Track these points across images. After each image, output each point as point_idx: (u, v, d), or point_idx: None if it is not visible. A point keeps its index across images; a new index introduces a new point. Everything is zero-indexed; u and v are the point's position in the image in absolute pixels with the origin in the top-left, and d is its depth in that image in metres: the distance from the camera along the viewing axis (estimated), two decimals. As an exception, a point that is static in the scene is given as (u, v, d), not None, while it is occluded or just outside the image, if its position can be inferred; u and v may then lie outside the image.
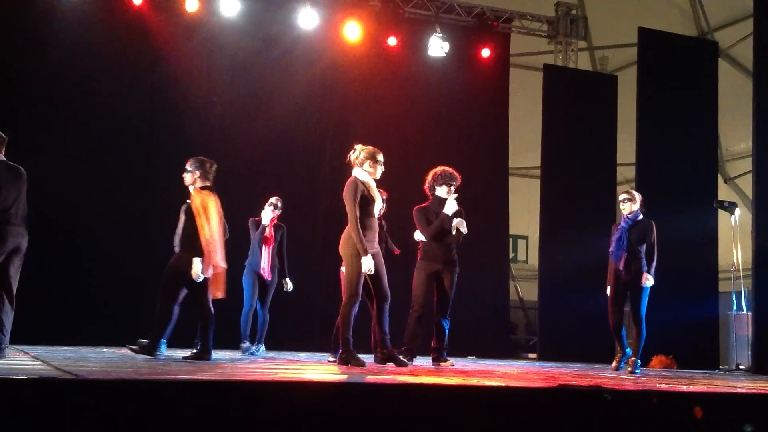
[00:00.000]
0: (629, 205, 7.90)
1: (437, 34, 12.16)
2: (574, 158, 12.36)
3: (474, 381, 4.64)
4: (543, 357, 11.67)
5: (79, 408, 2.94)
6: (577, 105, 12.56)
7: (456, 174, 7.57)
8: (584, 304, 11.83)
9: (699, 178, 11.20)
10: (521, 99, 13.59)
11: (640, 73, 11.32)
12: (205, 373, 4.48)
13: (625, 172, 14.27)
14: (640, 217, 7.94)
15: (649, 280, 7.81)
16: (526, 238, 16.55)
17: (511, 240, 14.31)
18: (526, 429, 3.41)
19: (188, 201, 6.79)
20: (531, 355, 13.25)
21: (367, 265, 6.33)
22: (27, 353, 6.50)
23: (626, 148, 12.46)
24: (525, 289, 16.20)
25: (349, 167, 11.49)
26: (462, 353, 10.12)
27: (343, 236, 6.54)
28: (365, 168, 6.61)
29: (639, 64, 11.46)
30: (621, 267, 7.80)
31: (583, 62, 14.29)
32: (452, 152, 12.07)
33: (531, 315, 15.52)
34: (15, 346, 7.66)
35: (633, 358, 7.75)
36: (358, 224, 6.35)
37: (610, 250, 7.95)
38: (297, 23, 11.49)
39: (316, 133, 11.86)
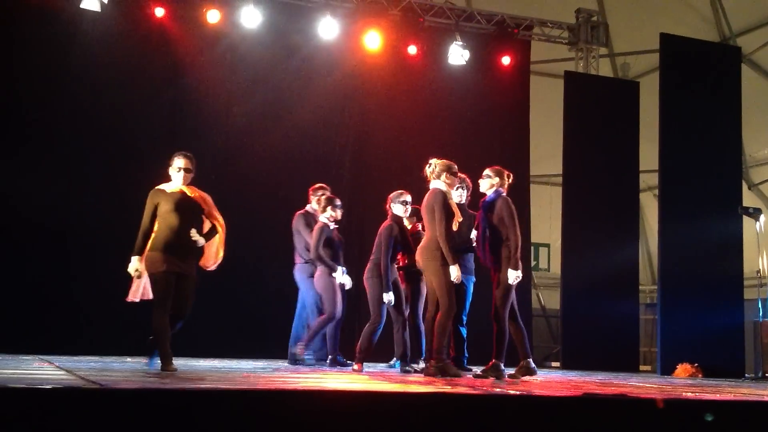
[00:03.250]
0: (487, 182, 6.91)
1: (457, 43, 12.15)
2: (596, 165, 12.29)
3: (498, 390, 4.61)
4: (566, 366, 11.60)
5: (104, 417, 2.95)
6: (598, 112, 12.49)
7: (463, 176, 7.52)
8: (607, 312, 11.78)
9: (723, 185, 11.09)
10: (542, 106, 13.55)
11: (662, 79, 11.23)
12: (228, 382, 4.48)
13: (648, 179, 14.19)
14: (502, 194, 6.87)
15: (510, 277, 6.64)
16: (547, 245, 16.48)
17: (532, 248, 14.25)
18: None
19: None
20: (554, 364, 13.18)
21: (455, 273, 6.52)
22: (52, 363, 6.54)
23: (649, 155, 12.37)
24: (547, 298, 16.12)
25: (367, 176, 11.54)
26: (484, 362, 10.05)
27: (424, 248, 6.70)
28: (443, 180, 6.79)
29: (661, 70, 11.37)
30: (480, 254, 6.92)
31: (604, 69, 14.23)
32: (473, 160, 11.99)
33: (553, 323, 15.43)
34: (40, 356, 7.72)
35: (493, 361, 6.69)
36: (448, 233, 6.55)
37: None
38: (317, 33, 11.53)
39: (336, 142, 11.88)
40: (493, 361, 6.70)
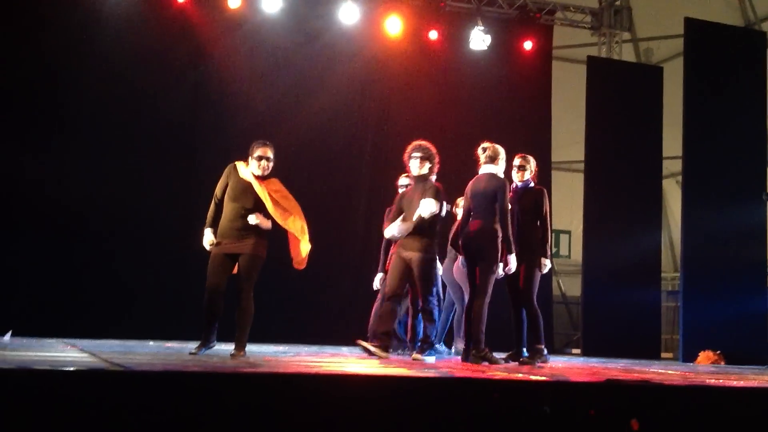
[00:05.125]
0: (521, 174, 7.00)
1: (479, 27, 12.08)
2: (619, 152, 12.20)
3: (519, 375, 4.60)
4: (587, 353, 11.57)
5: (127, 399, 2.97)
6: (621, 97, 12.39)
7: (425, 145, 7.06)
8: (629, 299, 11.73)
9: (747, 171, 10.97)
10: (564, 92, 13.46)
11: (686, 64, 11.12)
12: (250, 365, 4.50)
13: (671, 165, 14.08)
14: (531, 185, 7.02)
15: (546, 266, 6.84)
16: (568, 233, 16.40)
17: (553, 235, 14.17)
18: (575, 422, 3.37)
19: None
20: (575, 351, 13.14)
21: (514, 262, 6.50)
22: (75, 346, 6.60)
23: (672, 141, 12.26)
24: (568, 285, 16.06)
25: (387, 161, 11.48)
26: (504, 349, 10.05)
27: (484, 231, 6.51)
28: (498, 164, 6.70)
29: (685, 55, 11.26)
30: None
31: (627, 54, 14.10)
32: (494, 146, 12.01)
33: (573, 310, 15.39)
34: (63, 340, 7.79)
35: (535, 346, 6.80)
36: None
37: None
38: (338, 18, 11.50)
39: (357, 127, 11.87)
40: (535, 345, 6.77)
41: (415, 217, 6.80)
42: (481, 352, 6.43)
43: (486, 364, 6.34)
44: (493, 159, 6.69)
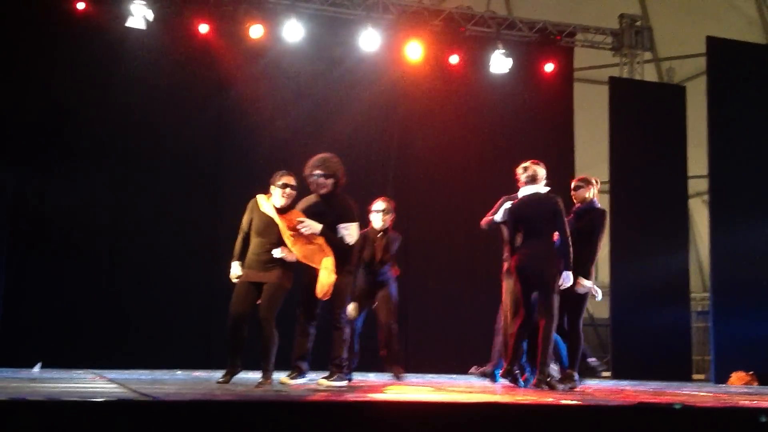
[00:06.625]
0: (581, 192, 7.01)
1: (499, 51, 12.08)
2: (643, 172, 12.12)
3: (550, 399, 4.55)
4: (617, 375, 11.44)
5: (156, 429, 2.96)
6: (644, 117, 12.33)
7: (326, 159, 6.58)
8: (658, 321, 11.60)
9: (774, 188, 10.90)
10: (587, 113, 13.42)
11: (709, 83, 11.07)
12: (277, 393, 4.48)
13: (697, 184, 13.97)
14: (597, 206, 7.00)
15: (582, 287, 6.73)
16: (595, 254, 16.27)
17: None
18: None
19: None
20: (604, 374, 13.00)
21: (571, 279, 6.43)
22: (103, 377, 6.61)
23: (697, 160, 12.17)
24: (595, 307, 15.91)
25: (411, 186, 11.46)
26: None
27: (543, 254, 6.47)
28: (541, 185, 6.70)
29: (708, 73, 11.21)
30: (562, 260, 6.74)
31: (649, 74, 14.06)
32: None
33: (602, 332, 15.24)
34: (91, 371, 7.82)
35: (567, 371, 6.77)
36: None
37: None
38: (359, 45, 11.55)
39: (379, 153, 11.87)
40: (568, 370, 6.69)
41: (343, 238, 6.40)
42: (547, 376, 6.36)
43: (546, 388, 6.25)
44: (534, 179, 6.65)
